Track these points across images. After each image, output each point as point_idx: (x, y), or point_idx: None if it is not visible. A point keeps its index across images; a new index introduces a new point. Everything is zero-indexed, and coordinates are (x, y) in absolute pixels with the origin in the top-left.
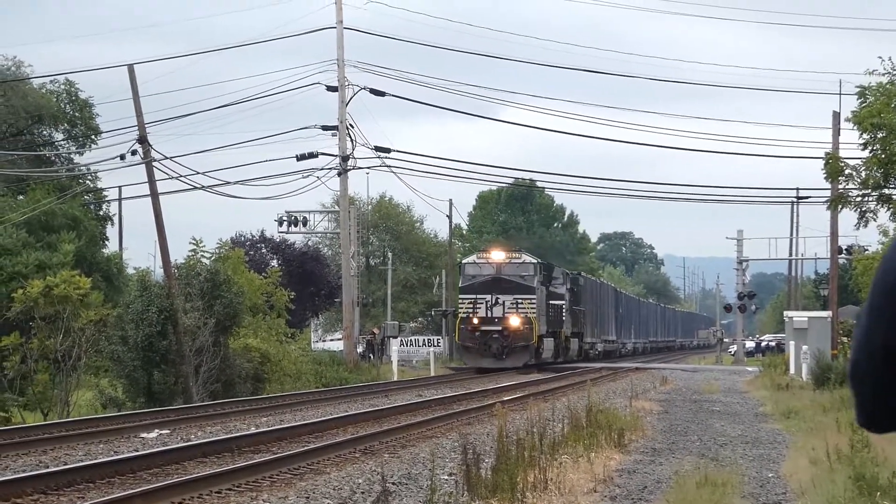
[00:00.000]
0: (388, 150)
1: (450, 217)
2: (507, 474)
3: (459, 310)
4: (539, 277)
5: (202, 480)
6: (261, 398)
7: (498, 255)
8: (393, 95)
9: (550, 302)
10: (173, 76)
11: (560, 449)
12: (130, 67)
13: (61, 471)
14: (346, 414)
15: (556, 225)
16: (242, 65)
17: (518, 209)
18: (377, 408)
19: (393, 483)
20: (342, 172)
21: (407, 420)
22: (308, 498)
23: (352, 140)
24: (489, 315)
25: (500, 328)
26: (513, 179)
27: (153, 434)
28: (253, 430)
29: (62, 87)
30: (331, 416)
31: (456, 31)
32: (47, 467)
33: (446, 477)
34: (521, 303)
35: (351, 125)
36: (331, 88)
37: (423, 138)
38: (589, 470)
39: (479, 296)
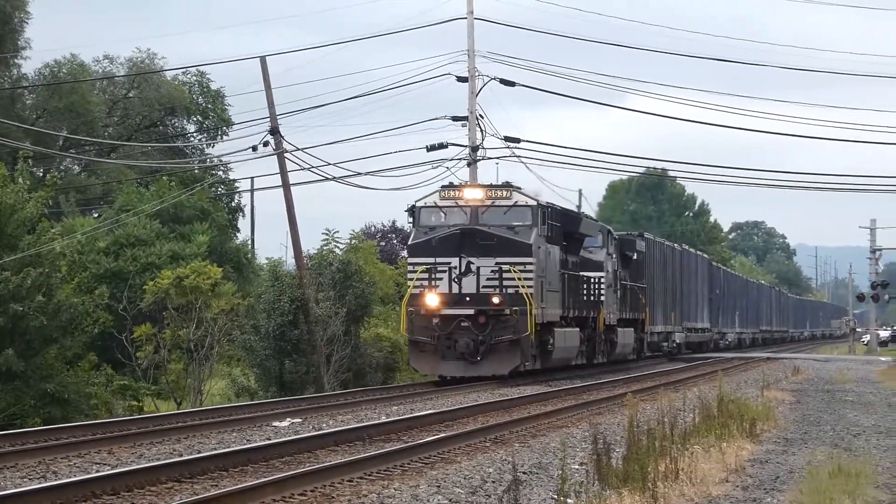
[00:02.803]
0: (517, 140)
1: (579, 207)
2: (639, 464)
3: (408, 283)
4: (543, 229)
5: (334, 469)
6: (391, 387)
7: (473, 193)
8: (523, 85)
9: (579, 273)
10: (304, 68)
11: (691, 439)
12: (262, 59)
13: (195, 459)
14: (476, 403)
15: (687, 214)
16: (372, 56)
17: (649, 198)
18: (507, 397)
19: (523, 472)
20: (472, 163)
21: (537, 410)
22: (439, 486)
23: (481, 130)
24: (455, 290)
25: (471, 311)
26: (644, 168)
27: (285, 423)
28: (384, 418)
29: (194, 78)
30: (460, 406)
31: (585, 20)
32: (181, 455)
33: (577, 467)
34: (510, 270)
35: (481, 115)
36: (461, 79)
37: (550, 127)
38: (721, 460)
39: (439, 259)
